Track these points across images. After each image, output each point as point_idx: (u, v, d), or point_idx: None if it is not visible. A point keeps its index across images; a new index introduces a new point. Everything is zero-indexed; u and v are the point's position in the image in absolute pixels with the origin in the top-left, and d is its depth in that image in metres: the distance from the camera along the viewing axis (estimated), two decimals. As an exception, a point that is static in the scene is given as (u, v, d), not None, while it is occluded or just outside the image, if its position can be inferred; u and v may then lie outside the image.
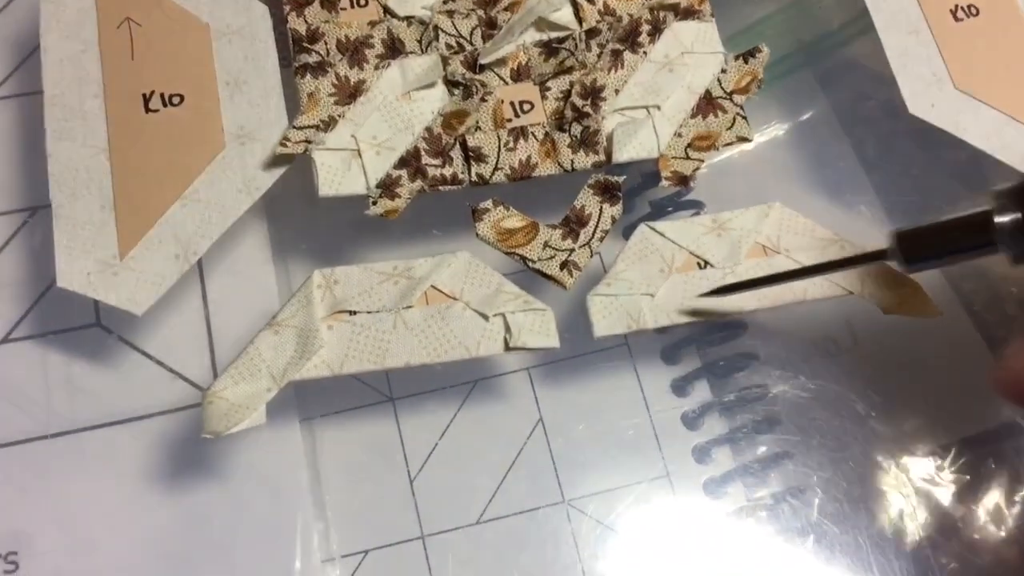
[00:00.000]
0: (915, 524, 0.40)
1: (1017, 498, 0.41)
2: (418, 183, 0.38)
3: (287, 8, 0.40)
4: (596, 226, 0.38)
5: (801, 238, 0.37)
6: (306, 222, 0.43)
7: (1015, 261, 0.29)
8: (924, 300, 0.37)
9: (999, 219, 0.29)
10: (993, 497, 0.41)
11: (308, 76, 0.38)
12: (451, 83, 0.39)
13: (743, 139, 0.40)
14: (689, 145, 0.40)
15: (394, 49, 0.40)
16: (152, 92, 0.38)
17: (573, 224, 0.38)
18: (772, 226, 0.38)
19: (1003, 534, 0.41)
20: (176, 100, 0.38)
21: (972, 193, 0.47)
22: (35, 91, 0.43)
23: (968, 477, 0.41)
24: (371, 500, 0.40)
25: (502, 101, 0.40)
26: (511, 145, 0.39)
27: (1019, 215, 0.29)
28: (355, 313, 0.35)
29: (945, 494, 0.41)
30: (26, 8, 0.45)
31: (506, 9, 0.41)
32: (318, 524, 0.38)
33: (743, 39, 0.47)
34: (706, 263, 0.37)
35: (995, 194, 0.29)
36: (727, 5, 0.45)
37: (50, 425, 0.39)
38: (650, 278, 0.37)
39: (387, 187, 0.38)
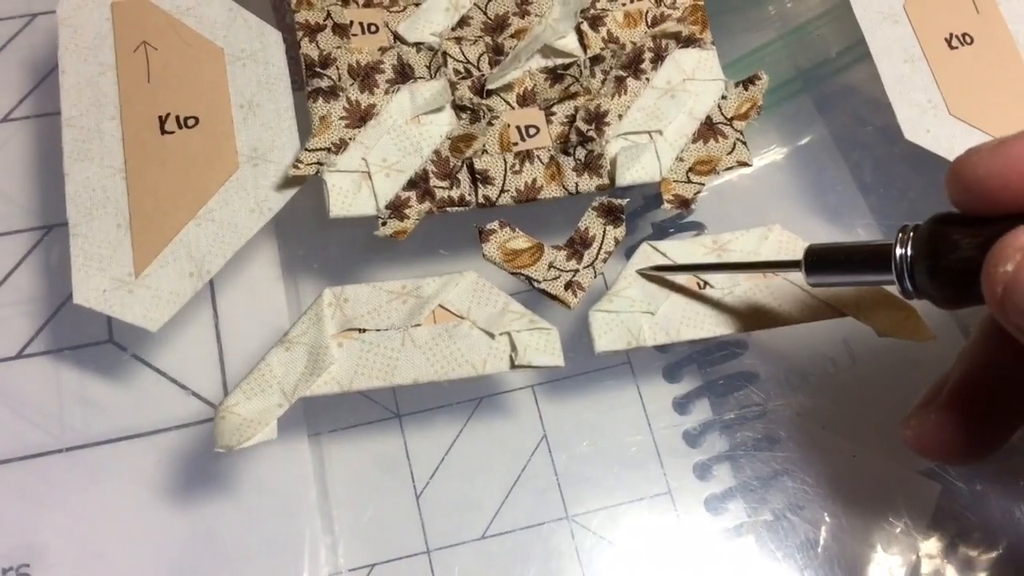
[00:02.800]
0: (913, 540, 0.41)
1: (1011, 516, 0.42)
2: (426, 204, 0.39)
3: (300, 34, 0.41)
4: (600, 247, 0.39)
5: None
6: (316, 242, 0.44)
7: (904, 295, 0.31)
8: (918, 324, 0.38)
9: (898, 251, 0.30)
10: (991, 515, 0.42)
11: (320, 100, 0.39)
12: (459, 107, 0.40)
13: (743, 163, 0.41)
14: (690, 169, 0.41)
15: (404, 74, 0.41)
16: (168, 114, 0.39)
17: (577, 245, 0.39)
18: (772, 248, 0.38)
19: (999, 552, 0.41)
20: (191, 122, 0.39)
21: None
22: (51, 112, 0.44)
23: (963, 494, 0.42)
24: (378, 515, 0.40)
25: (508, 125, 0.41)
26: (517, 168, 0.40)
27: (912, 253, 0.30)
28: (364, 331, 0.36)
29: (944, 511, 0.42)
30: (43, 31, 0.46)
31: (512, 36, 0.42)
32: (326, 538, 0.39)
33: (742, 66, 0.48)
34: (706, 283, 0.38)
35: (902, 228, 0.31)
36: (727, 33, 0.46)
37: (63, 439, 0.40)
38: (651, 296, 0.38)
39: (396, 208, 0.38)
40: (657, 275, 0.38)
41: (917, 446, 0.33)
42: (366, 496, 0.40)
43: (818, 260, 0.33)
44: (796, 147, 0.50)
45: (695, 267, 0.38)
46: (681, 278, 0.38)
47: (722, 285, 0.38)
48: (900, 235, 0.30)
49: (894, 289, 0.31)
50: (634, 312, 0.37)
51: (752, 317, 0.37)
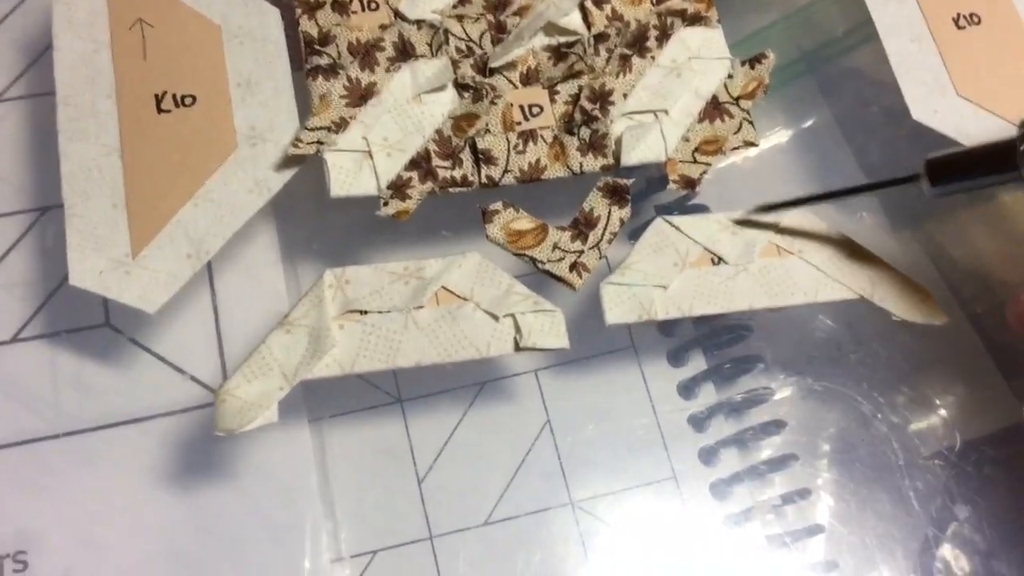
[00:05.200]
0: (920, 525, 0.41)
1: (1020, 500, 0.42)
2: (428, 185, 0.38)
3: (299, 11, 0.40)
4: (605, 228, 0.38)
5: (814, 240, 0.38)
6: (316, 223, 0.43)
7: None
8: (932, 306, 0.37)
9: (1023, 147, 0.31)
10: (995, 499, 0.42)
11: (320, 78, 0.39)
12: (461, 86, 0.40)
13: (750, 143, 0.41)
14: (696, 149, 0.40)
15: (405, 52, 0.40)
16: (164, 93, 0.38)
17: (582, 226, 0.38)
18: (787, 227, 0.38)
19: (1008, 536, 0.41)
20: (188, 101, 0.38)
21: (972, 199, 0.47)
22: (45, 92, 0.44)
23: (972, 478, 0.42)
24: (380, 501, 0.40)
25: (511, 104, 0.40)
26: (520, 148, 0.39)
27: None
28: (366, 313, 0.36)
29: (949, 496, 0.41)
30: (36, 10, 0.45)
31: (516, 14, 0.42)
32: (327, 524, 0.39)
33: (747, 46, 0.48)
34: (720, 259, 0.37)
35: (1021, 123, 0.31)
36: (732, 13, 0.45)
37: (59, 425, 0.39)
38: (664, 270, 0.37)
39: (398, 188, 0.38)
40: (758, 218, 0.38)
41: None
42: (368, 482, 0.40)
43: (940, 169, 0.34)
44: (800, 129, 0.49)
45: (808, 200, 0.38)
46: (694, 254, 0.37)
47: (736, 261, 0.37)
48: (1022, 130, 0.31)
49: (971, 198, 0.31)
50: (646, 286, 0.37)
51: (765, 295, 0.37)
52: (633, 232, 0.42)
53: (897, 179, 0.36)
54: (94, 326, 0.40)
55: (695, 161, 0.40)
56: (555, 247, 0.38)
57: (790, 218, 0.38)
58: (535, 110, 0.40)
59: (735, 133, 0.41)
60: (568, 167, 0.39)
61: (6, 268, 0.41)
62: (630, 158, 0.39)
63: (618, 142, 0.40)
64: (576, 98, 0.40)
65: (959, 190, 0.34)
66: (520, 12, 0.42)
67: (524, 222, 0.38)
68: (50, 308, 0.40)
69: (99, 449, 0.39)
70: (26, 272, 0.41)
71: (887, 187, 0.37)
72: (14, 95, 0.44)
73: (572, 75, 0.41)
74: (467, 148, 0.39)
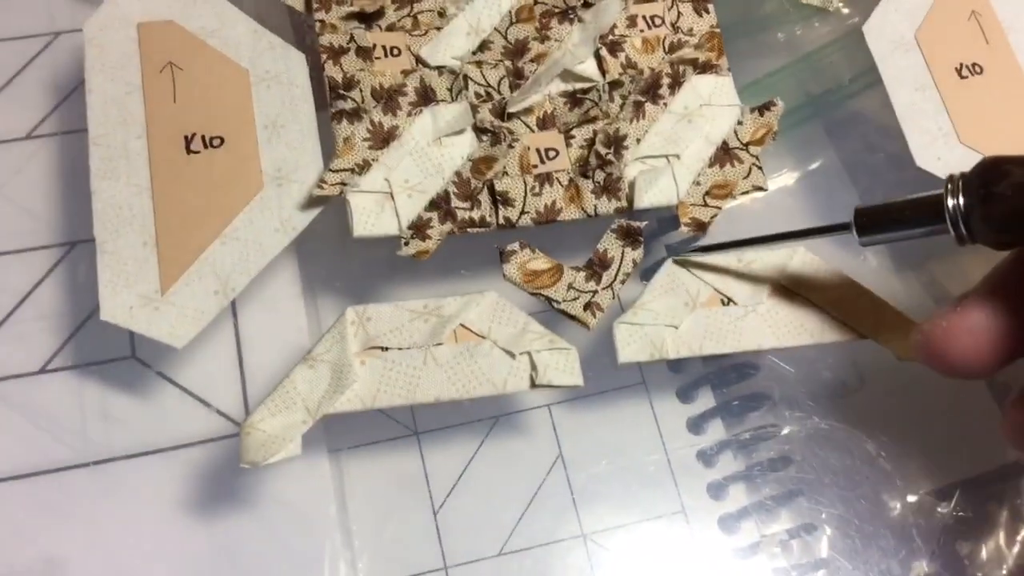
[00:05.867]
0: (923, 561, 0.42)
1: (1018, 538, 0.43)
2: (448, 225, 0.39)
3: (324, 56, 0.41)
4: (618, 269, 0.40)
5: (822, 282, 0.39)
6: (337, 261, 0.44)
7: (959, 241, 0.32)
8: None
9: (949, 202, 0.31)
10: (996, 535, 0.43)
11: (344, 121, 0.40)
12: (480, 130, 0.41)
13: (759, 188, 0.42)
14: (707, 193, 0.41)
15: (426, 97, 0.41)
16: (194, 134, 0.40)
17: (596, 267, 0.40)
18: (795, 269, 0.39)
19: (1004, 572, 0.42)
20: (216, 142, 0.40)
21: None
22: (74, 129, 0.45)
23: (972, 516, 0.43)
24: (396, 531, 0.41)
25: (528, 148, 0.41)
26: (537, 190, 0.40)
27: (965, 200, 0.31)
28: (387, 349, 0.37)
29: (951, 532, 0.42)
30: (66, 50, 0.47)
31: (532, 61, 0.43)
32: (345, 553, 0.40)
33: (753, 91, 0.49)
34: (729, 300, 0.39)
35: (949, 178, 0.32)
36: (739, 58, 0.47)
37: (85, 454, 0.40)
38: (675, 310, 0.38)
39: (418, 229, 0.39)
40: (699, 261, 0.39)
41: (927, 350, 0.33)
42: (385, 512, 0.41)
43: (868, 219, 0.34)
44: (807, 172, 0.50)
45: (740, 243, 0.39)
46: (704, 295, 0.39)
47: (745, 303, 0.38)
48: (949, 185, 0.32)
49: (947, 239, 0.32)
50: (658, 325, 0.38)
51: (773, 335, 0.38)
52: (645, 272, 0.43)
53: (830, 226, 0.37)
54: (121, 358, 0.42)
55: (706, 205, 0.41)
56: (570, 287, 0.39)
57: (798, 260, 0.39)
58: (551, 154, 0.41)
59: (744, 178, 0.42)
60: (583, 209, 0.41)
61: (35, 301, 0.42)
62: (643, 201, 0.41)
63: (631, 185, 0.41)
64: (591, 142, 0.41)
65: (886, 240, 0.35)
66: (537, 59, 0.43)
67: (540, 262, 0.39)
68: (78, 340, 0.42)
69: (125, 478, 0.40)
70: (55, 305, 0.42)
71: (821, 234, 0.37)
72: (44, 132, 0.45)
73: (587, 120, 0.42)
74: (485, 190, 0.40)
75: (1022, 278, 0.33)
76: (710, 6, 0.45)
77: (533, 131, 0.42)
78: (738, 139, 0.43)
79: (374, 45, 0.42)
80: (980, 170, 0.31)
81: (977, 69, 0.45)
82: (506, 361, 0.37)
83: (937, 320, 0.33)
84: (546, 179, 0.41)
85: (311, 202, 0.39)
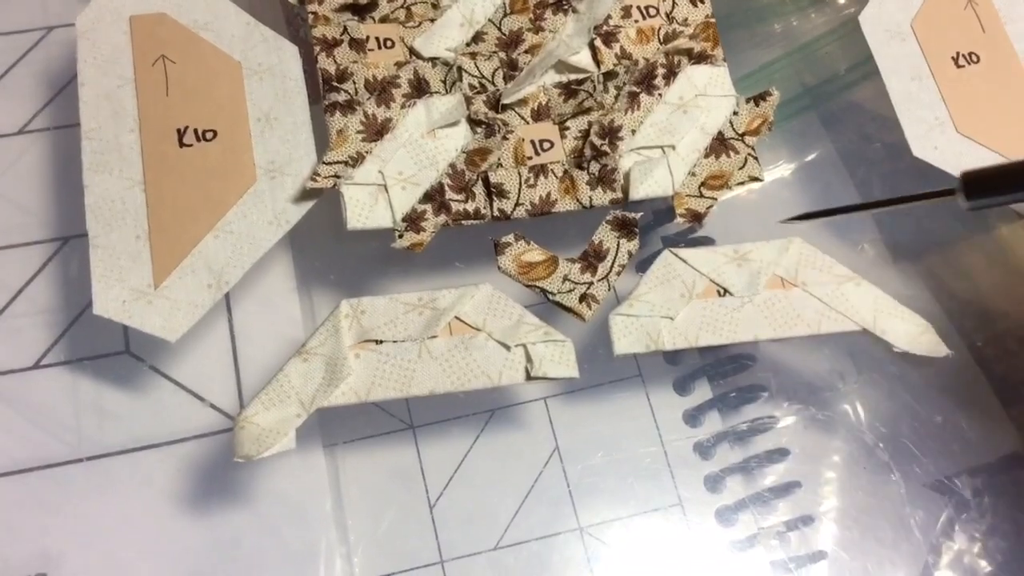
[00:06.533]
0: (921, 552, 0.41)
1: (1016, 528, 0.42)
2: (442, 217, 0.39)
3: (317, 49, 0.41)
4: (614, 260, 0.39)
5: (818, 273, 0.39)
6: (331, 254, 0.44)
7: None
8: (933, 339, 0.38)
9: None
10: (994, 527, 0.42)
11: (337, 114, 0.40)
12: (474, 122, 0.41)
13: (755, 179, 0.42)
14: (703, 184, 0.41)
15: (420, 89, 0.41)
16: (186, 127, 0.40)
17: (591, 258, 0.39)
18: (791, 260, 0.39)
19: (1007, 564, 0.42)
20: (209, 135, 0.40)
21: (971, 232, 0.48)
22: (67, 124, 0.45)
23: (971, 507, 0.42)
24: (392, 525, 0.41)
25: (523, 139, 0.41)
26: (532, 182, 0.40)
27: None
28: (381, 342, 0.37)
29: (949, 523, 0.42)
30: (59, 44, 0.47)
31: (527, 52, 0.43)
32: (341, 548, 0.39)
33: (750, 82, 0.49)
34: (726, 291, 0.38)
35: None
36: (736, 49, 0.47)
37: (79, 449, 0.40)
38: (671, 302, 0.38)
39: (412, 221, 0.39)
40: (801, 221, 0.39)
41: None
42: (381, 506, 0.41)
43: (976, 184, 0.34)
44: (803, 163, 0.50)
45: (847, 209, 0.39)
46: (700, 286, 0.38)
47: (741, 293, 0.38)
48: None
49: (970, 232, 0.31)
50: (654, 317, 0.38)
51: (769, 326, 0.38)
52: (641, 264, 0.43)
53: (934, 192, 0.36)
54: (114, 353, 0.41)
55: (701, 195, 0.41)
56: (565, 279, 0.39)
57: (794, 251, 0.39)
58: (546, 145, 0.41)
59: (740, 168, 0.42)
60: (578, 201, 0.40)
61: (28, 296, 0.42)
62: (638, 192, 0.40)
63: (626, 177, 0.41)
64: (586, 134, 0.41)
65: (991, 204, 0.35)
66: (531, 50, 0.43)
67: (535, 254, 0.39)
68: (71, 335, 0.41)
69: (119, 473, 0.40)
70: (48, 300, 0.42)
71: (923, 200, 0.37)
72: (37, 127, 0.45)
73: (582, 111, 0.42)
74: (480, 182, 0.40)
75: None
76: (705, -4, 0.45)
77: (528, 122, 0.42)
78: (734, 129, 0.42)
79: (367, 37, 0.42)
80: None
81: (974, 58, 0.45)
82: (501, 353, 0.37)
83: None
84: (541, 171, 0.41)
85: (305, 195, 0.39)
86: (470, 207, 0.40)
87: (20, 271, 0.42)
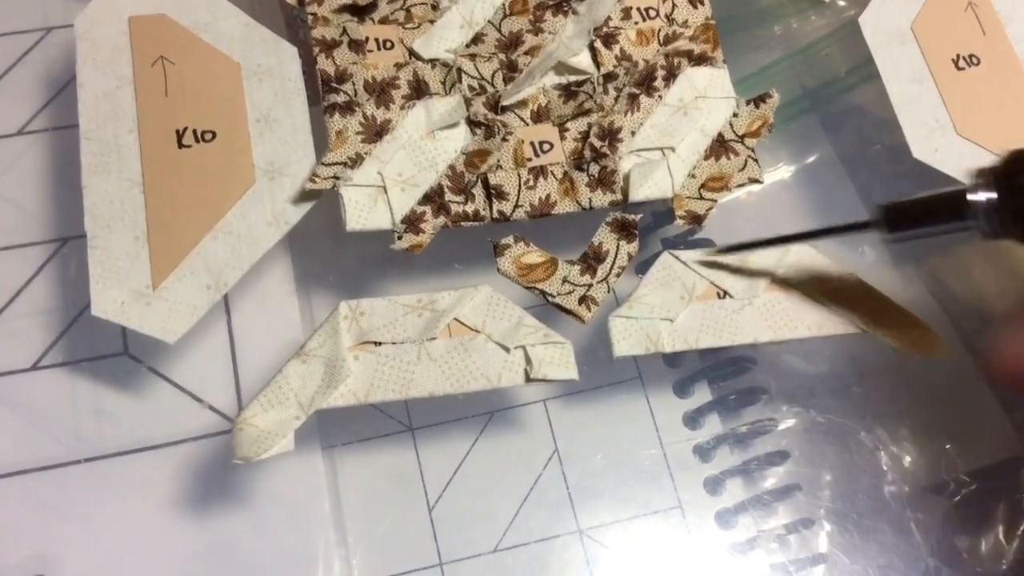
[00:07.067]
0: (921, 555, 0.41)
1: (1017, 531, 0.42)
2: (441, 219, 0.39)
3: (316, 50, 0.41)
4: (613, 262, 0.39)
5: (819, 275, 0.39)
6: (330, 256, 0.44)
7: (984, 237, 0.32)
8: (934, 340, 0.38)
9: (972, 197, 0.31)
10: (995, 530, 0.42)
11: (336, 115, 0.40)
12: (474, 123, 0.41)
13: (755, 180, 0.42)
14: (703, 186, 0.41)
15: (419, 90, 0.41)
16: (185, 128, 0.39)
17: (591, 260, 0.39)
18: (791, 263, 0.39)
19: (1004, 566, 0.42)
20: (208, 136, 0.39)
21: (972, 234, 0.48)
22: (66, 125, 0.45)
23: (971, 510, 0.42)
24: (391, 527, 0.40)
25: (522, 141, 0.41)
26: (531, 183, 0.40)
27: (992, 195, 0.31)
28: (380, 344, 0.37)
29: (950, 527, 0.42)
30: (58, 45, 0.47)
31: (526, 53, 0.43)
32: (339, 550, 0.39)
33: (749, 84, 0.49)
34: (726, 293, 0.38)
35: (975, 173, 0.32)
36: (736, 52, 0.46)
37: (78, 451, 0.40)
38: (671, 304, 0.38)
39: (412, 222, 0.39)
40: (730, 257, 0.39)
41: (992, 370, 0.34)
42: (379, 509, 0.41)
43: (895, 216, 0.34)
44: (803, 165, 0.50)
45: (769, 242, 0.38)
46: (700, 288, 0.38)
47: (741, 296, 0.38)
48: (977, 179, 0.32)
49: (972, 235, 0.32)
50: (653, 319, 0.38)
51: (769, 328, 0.38)
52: (640, 266, 0.43)
53: (855, 224, 0.36)
54: (113, 355, 0.41)
55: (701, 197, 0.41)
56: (564, 280, 0.39)
57: (795, 253, 0.39)
58: (545, 147, 0.41)
59: (740, 170, 0.42)
60: (578, 202, 0.40)
61: (27, 297, 0.42)
62: (638, 194, 0.40)
63: (626, 178, 0.41)
64: (585, 135, 0.41)
65: (913, 237, 0.34)
66: (531, 52, 0.43)
67: (534, 256, 0.39)
68: (70, 337, 0.41)
69: (117, 475, 0.40)
70: (46, 301, 0.42)
71: (846, 233, 0.37)
72: (36, 128, 0.45)
73: (582, 113, 0.42)
74: (479, 183, 0.40)
75: None
76: (705, -2, 0.45)
77: (527, 124, 0.41)
78: (734, 131, 0.42)
79: (367, 38, 0.42)
80: (1008, 163, 0.31)
81: (974, 60, 0.45)
82: (500, 355, 0.37)
83: (1000, 340, 0.33)
84: (540, 172, 0.40)
85: (304, 196, 0.39)
86: (469, 208, 0.40)
87: (18, 272, 0.42)
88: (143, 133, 0.39)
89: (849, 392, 0.45)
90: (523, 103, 0.42)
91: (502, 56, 0.43)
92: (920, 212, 0.34)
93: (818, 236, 0.38)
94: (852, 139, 0.51)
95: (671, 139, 0.42)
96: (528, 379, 0.36)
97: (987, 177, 0.31)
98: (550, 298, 0.38)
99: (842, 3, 0.51)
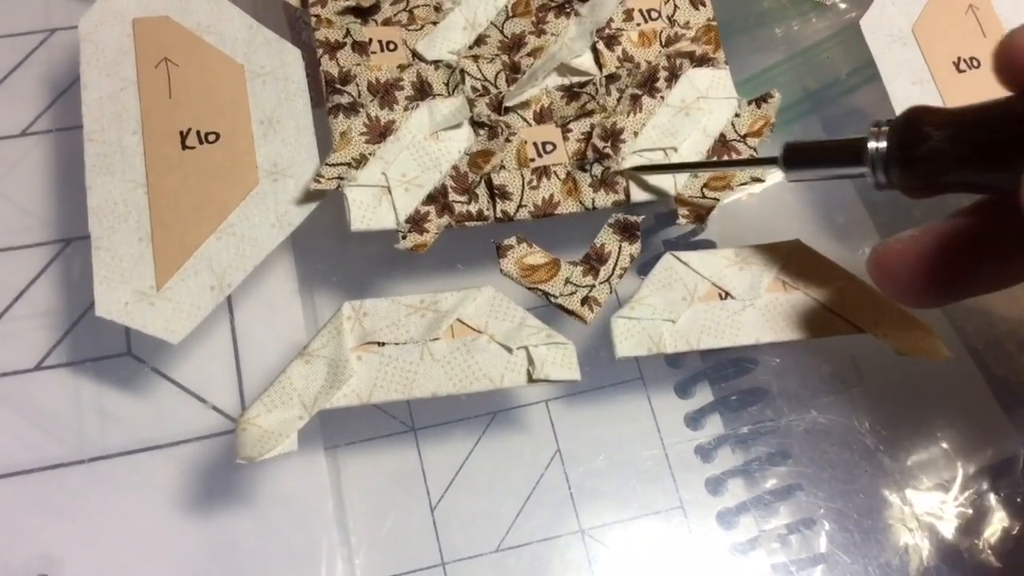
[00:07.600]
0: (921, 555, 0.41)
1: (1016, 531, 0.42)
2: (445, 219, 0.39)
3: (320, 51, 0.41)
4: (615, 263, 0.39)
5: (821, 276, 0.39)
6: (334, 256, 0.44)
7: (875, 187, 0.33)
8: (935, 343, 0.38)
9: (871, 145, 0.32)
10: (994, 530, 0.42)
11: (340, 116, 0.40)
12: (477, 124, 0.41)
13: (757, 180, 0.42)
14: (705, 185, 0.41)
15: (423, 91, 0.41)
16: (189, 129, 0.40)
17: (593, 261, 0.39)
18: (793, 263, 0.39)
19: (1001, 565, 0.42)
20: (212, 137, 0.40)
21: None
22: (70, 126, 0.45)
23: (971, 510, 0.43)
24: (394, 527, 0.41)
25: (526, 142, 0.41)
26: (534, 184, 0.40)
27: (887, 146, 0.32)
28: (383, 344, 0.37)
29: (949, 526, 0.42)
30: (61, 46, 0.47)
31: (529, 55, 0.43)
32: (342, 550, 0.39)
33: (751, 86, 0.49)
34: (727, 294, 0.38)
35: (872, 123, 0.33)
36: (737, 54, 0.47)
37: (81, 451, 0.40)
38: (672, 305, 0.38)
39: (415, 223, 0.39)
40: (647, 173, 0.41)
41: (878, 269, 0.34)
42: (382, 508, 0.41)
43: (795, 154, 0.36)
44: (804, 166, 0.50)
45: (677, 167, 0.41)
46: (702, 289, 0.38)
47: (743, 296, 0.38)
48: (873, 128, 0.33)
49: (866, 182, 0.33)
50: (655, 319, 0.38)
51: (771, 329, 0.38)
52: (643, 267, 0.43)
53: (760, 159, 0.39)
54: (116, 355, 0.41)
55: (704, 197, 0.41)
56: (567, 281, 0.39)
57: (796, 254, 0.39)
58: (548, 147, 0.41)
59: (742, 169, 0.42)
60: (580, 203, 0.40)
61: (30, 298, 0.42)
62: (640, 194, 0.40)
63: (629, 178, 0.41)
64: (588, 136, 0.41)
65: (811, 178, 0.36)
66: (534, 53, 0.43)
67: (537, 257, 0.39)
68: (73, 337, 0.42)
69: (121, 475, 0.40)
70: (50, 302, 0.42)
71: (750, 165, 0.40)
72: (39, 129, 0.45)
73: (584, 114, 0.42)
74: (483, 184, 0.40)
75: (985, 217, 0.32)
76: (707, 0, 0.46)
77: (530, 125, 0.42)
78: (736, 131, 0.43)
79: (370, 40, 0.42)
80: (904, 119, 0.32)
81: (975, 63, 0.45)
82: (503, 356, 0.37)
83: (893, 242, 0.34)
84: (543, 173, 0.41)
85: (307, 197, 0.39)
86: (473, 209, 0.40)
87: (22, 273, 0.42)
88: (147, 134, 0.39)
89: (850, 392, 0.45)
90: (526, 104, 0.42)
91: (505, 57, 0.43)
92: (817, 153, 0.35)
93: (724, 165, 0.41)
94: (853, 140, 0.51)
95: (673, 139, 0.42)
96: (530, 380, 0.36)
97: (882, 128, 0.32)
98: (552, 299, 0.39)
99: (843, 5, 0.51)
